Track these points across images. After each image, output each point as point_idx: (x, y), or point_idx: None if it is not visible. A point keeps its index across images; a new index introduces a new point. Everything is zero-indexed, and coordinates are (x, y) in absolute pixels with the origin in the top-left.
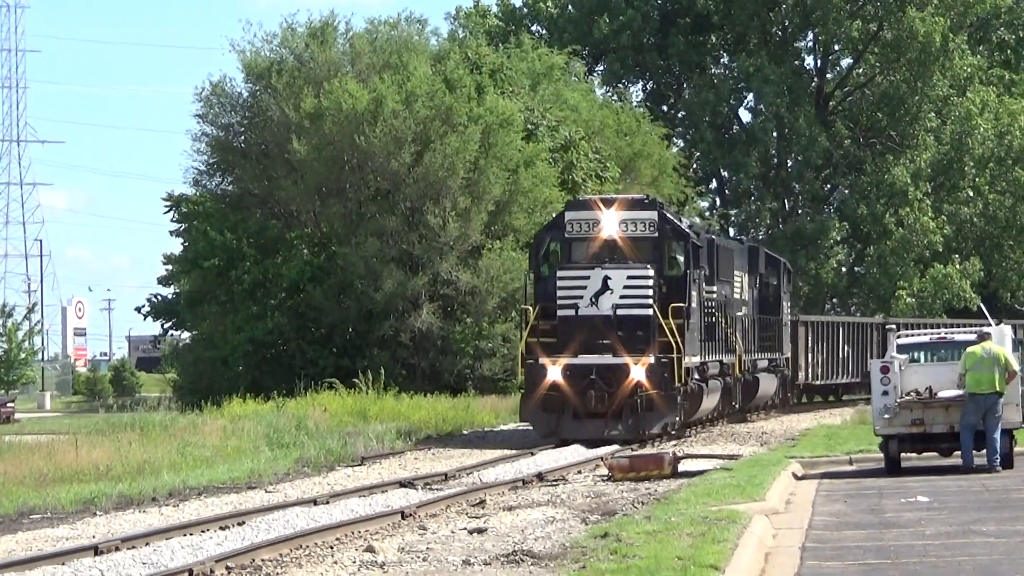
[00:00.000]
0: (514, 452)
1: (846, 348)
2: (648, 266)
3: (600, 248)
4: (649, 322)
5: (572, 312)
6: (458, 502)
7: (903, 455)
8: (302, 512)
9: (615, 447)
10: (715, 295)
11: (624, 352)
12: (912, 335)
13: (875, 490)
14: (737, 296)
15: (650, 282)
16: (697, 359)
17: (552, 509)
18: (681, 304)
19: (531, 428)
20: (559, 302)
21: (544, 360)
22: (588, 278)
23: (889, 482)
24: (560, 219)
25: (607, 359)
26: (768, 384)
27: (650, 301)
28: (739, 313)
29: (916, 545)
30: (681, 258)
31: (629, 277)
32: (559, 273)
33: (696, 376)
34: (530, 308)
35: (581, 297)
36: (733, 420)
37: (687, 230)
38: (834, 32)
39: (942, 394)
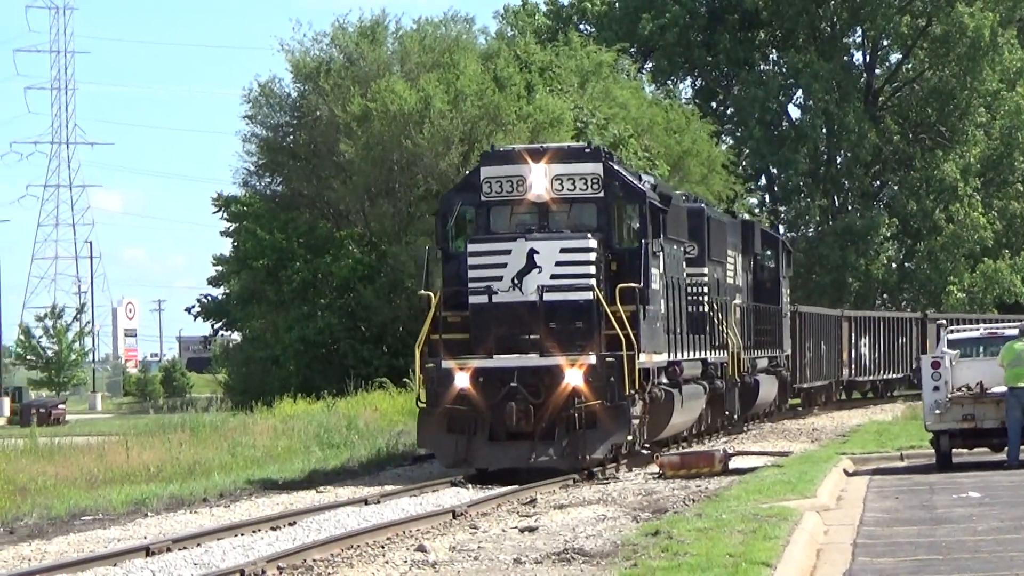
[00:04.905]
0: None
1: (823, 345)
2: (589, 235)
3: (527, 213)
4: (590, 309)
5: (486, 298)
6: (509, 500)
7: (954, 451)
8: (353, 512)
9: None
10: (705, 278)
11: (556, 350)
12: (961, 330)
13: (926, 486)
14: (730, 281)
15: (592, 256)
16: (663, 357)
17: (603, 507)
18: (634, 284)
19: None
20: (470, 285)
21: (450, 363)
22: (508, 252)
23: (940, 478)
24: (475, 177)
25: (533, 360)
26: (769, 388)
27: (591, 282)
28: (735, 301)
29: (968, 541)
30: (636, 225)
31: (563, 250)
32: (470, 247)
33: (664, 380)
34: (431, 295)
35: (499, 278)
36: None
37: (643, 187)
38: (883, 27)
39: (993, 389)
